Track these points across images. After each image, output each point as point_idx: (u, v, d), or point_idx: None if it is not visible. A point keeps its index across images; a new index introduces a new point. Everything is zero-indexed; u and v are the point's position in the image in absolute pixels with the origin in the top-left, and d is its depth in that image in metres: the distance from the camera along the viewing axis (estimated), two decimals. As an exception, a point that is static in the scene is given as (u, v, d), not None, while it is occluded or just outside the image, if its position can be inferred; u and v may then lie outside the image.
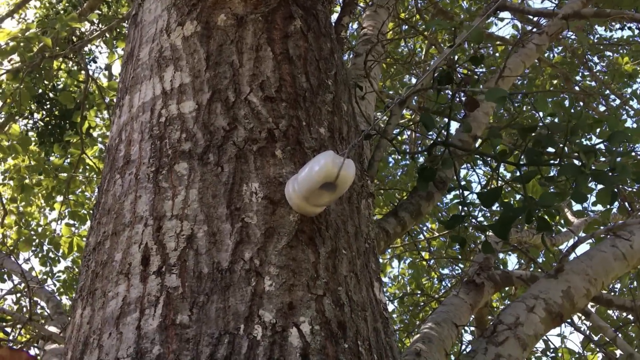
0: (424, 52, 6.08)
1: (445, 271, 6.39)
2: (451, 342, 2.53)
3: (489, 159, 2.08)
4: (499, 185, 1.95)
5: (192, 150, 1.49)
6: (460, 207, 2.07)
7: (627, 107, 7.11)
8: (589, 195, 2.41)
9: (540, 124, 1.83)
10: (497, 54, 6.19)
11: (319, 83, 1.72)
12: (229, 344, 1.18)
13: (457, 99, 2.04)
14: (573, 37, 7.00)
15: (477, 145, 2.36)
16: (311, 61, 1.75)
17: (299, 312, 1.23)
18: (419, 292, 5.84)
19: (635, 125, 6.45)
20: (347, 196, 1.56)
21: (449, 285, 5.86)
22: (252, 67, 1.65)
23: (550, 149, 1.87)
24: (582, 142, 1.77)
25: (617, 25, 6.57)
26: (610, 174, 1.64)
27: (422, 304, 5.44)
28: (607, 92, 7.03)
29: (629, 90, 7.51)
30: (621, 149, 1.85)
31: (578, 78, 7.08)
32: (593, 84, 7.07)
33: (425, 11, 5.91)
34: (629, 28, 6.73)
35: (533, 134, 1.81)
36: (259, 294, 1.25)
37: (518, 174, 1.88)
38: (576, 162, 1.88)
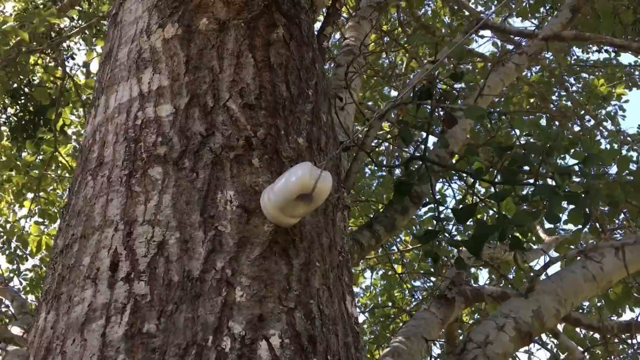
0: (404, 65, 6.12)
1: (417, 283, 6.41)
2: (420, 357, 2.52)
3: (465, 175, 2.10)
4: (474, 202, 1.96)
5: (168, 155, 1.47)
6: (434, 222, 2.08)
7: (601, 128, 7.24)
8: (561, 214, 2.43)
9: (517, 143, 1.84)
10: (477, 70, 6.25)
11: (299, 92, 1.71)
12: (197, 355, 1.15)
13: (436, 115, 2.05)
14: (551, 56, 7.12)
15: (454, 161, 2.37)
16: (292, 70, 1.74)
17: (269, 324, 1.21)
18: (390, 304, 5.84)
19: (608, 147, 6.56)
20: (323, 208, 1.54)
21: (420, 297, 5.88)
22: (233, 73, 1.63)
23: (526, 168, 1.89)
24: (557, 164, 1.79)
25: (594, 48, 6.69)
26: (583, 196, 1.65)
27: (392, 316, 5.44)
28: (583, 112, 7.15)
29: (603, 111, 7.66)
30: (594, 171, 1.87)
31: (554, 97, 7.19)
32: (569, 104, 7.18)
33: (408, 25, 5.95)
34: (606, 51, 6.86)
35: (509, 153, 1.82)
36: (230, 304, 1.22)
37: (493, 191, 1.89)
38: (550, 181, 1.90)
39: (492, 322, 2.08)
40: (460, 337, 3.63)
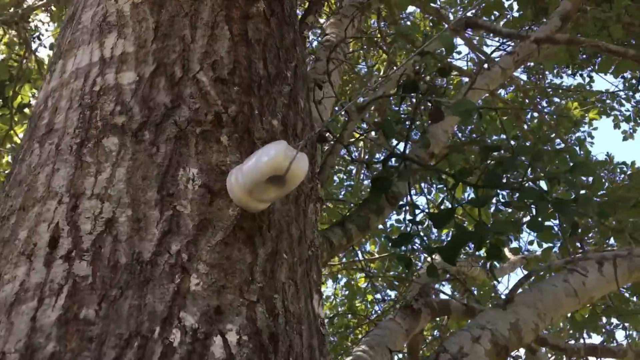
0: (382, 72, 6.04)
1: (378, 296, 6.30)
2: (383, 368, 2.40)
3: (445, 177, 1.99)
4: (453, 206, 1.86)
5: (126, 125, 1.32)
6: (410, 225, 1.96)
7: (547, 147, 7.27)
8: (528, 233, 2.33)
9: (505, 144, 1.74)
10: (451, 86, 6.21)
11: (277, 72, 1.58)
12: (139, 348, 1.00)
13: (422, 109, 1.94)
14: (525, 79, 7.15)
15: (434, 162, 2.27)
16: (271, 48, 1.61)
17: (226, 318, 1.07)
18: (350, 314, 5.72)
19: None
20: (295, 196, 1.41)
21: (381, 309, 5.78)
22: (205, 44, 1.49)
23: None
24: (545, 168, 1.70)
25: (569, 72, 6.73)
26: (572, 205, 1.56)
27: (352, 326, 5.31)
28: (553, 135, 7.19)
29: (574, 137, 7.72)
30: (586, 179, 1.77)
31: (527, 118, 7.21)
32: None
33: (387, 35, 5.88)
34: (580, 75, 6.91)
35: (495, 154, 1.72)
36: (183, 293, 1.08)
37: (473, 196, 1.78)
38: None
39: (467, 333, 1.97)
40: (424, 349, 3.52)
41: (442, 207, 2.51)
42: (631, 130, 7.65)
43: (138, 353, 1.00)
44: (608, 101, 7.76)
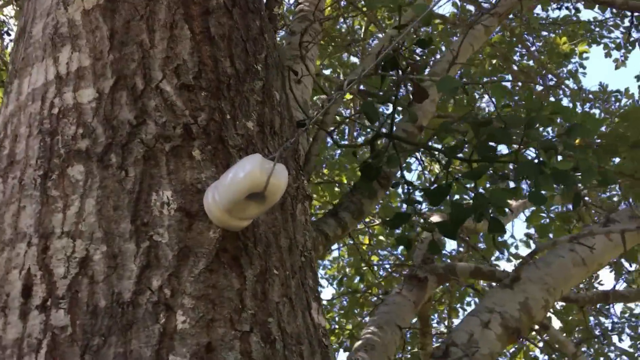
0: (363, 30, 5.88)
1: (384, 253, 6.28)
2: (395, 347, 2.36)
3: (437, 153, 1.91)
4: (448, 182, 1.79)
5: (90, 150, 1.23)
6: (405, 204, 1.89)
7: (563, 87, 7.18)
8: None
9: (495, 115, 1.66)
10: (436, 33, 6.04)
11: (246, 68, 1.48)
12: (130, 401, 0.94)
13: (403, 88, 1.85)
14: (511, 16, 6.96)
15: (426, 137, 2.18)
16: (237, 42, 1.50)
17: (219, 355, 1.00)
18: (358, 277, 5.70)
19: (571, 105, 6.49)
20: (281, 202, 1.33)
21: (390, 268, 5.77)
22: (166, 48, 1.38)
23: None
24: (540, 137, 1.62)
25: (554, 5, 6.55)
26: (573, 174, 1.48)
27: (363, 288, 5.29)
28: (544, 72, 7.06)
29: (565, 70, 7.59)
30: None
31: (516, 58, 7.07)
32: (531, 63, 7.07)
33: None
34: (566, 8, 6.73)
35: (487, 128, 1.63)
36: (170, 333, 1.01)
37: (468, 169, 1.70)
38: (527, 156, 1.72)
39: (476, 318, 1.91)
40: (433, 317, 3.50)
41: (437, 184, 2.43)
42: (622, 58, 7.51)
43: (129, 406, 0.94)
44: (597, 29, 7.60)
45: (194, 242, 1.12)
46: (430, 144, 1.94)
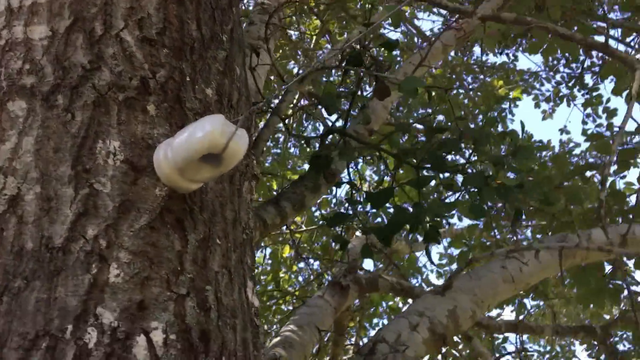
0: (313, 39, 5.91)
1: (302, 265, 6.26)
2: (312, 347, 2.33)
3: (386, 156, 1.92)
4: (392, 185, 1.79)
5: (36, 87, 1.14)
6: (347, 204, 1.88)
7: (492, 129, 7.46)
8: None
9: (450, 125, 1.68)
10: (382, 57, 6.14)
11: (211, 35, 1.43)
12: (48, 350, 0.87)
13: (364, 84, 1.85)
14: (453, 53, 7.20)
15: (375, 139, 2.18)
16: (205, 8, 1.45)
17: (151, 314, 0.94)
18: (274, 283, 5.65)
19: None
20: (230, 175, 1.28)
21: (304, 279, 5.76)
22: (131, -1, 1.32)
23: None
24: (490, 152, 1.65)
25: (498, 50, 6.82)
26: (517, 191, 1.52)
27: (277, 297, 5.24)
28: (477, 111, 7.32)
29: (495, 113, 7.89)
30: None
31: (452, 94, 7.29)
32: (466, 101, 7.31)
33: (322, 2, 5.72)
34: (506, 55, 7.03)
35: (446, 138, 1.65)
36: (101, 285, 0.94)
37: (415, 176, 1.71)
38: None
39: (405, 320, 1.91)
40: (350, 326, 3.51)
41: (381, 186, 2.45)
42: (550, 110, 7.90)
43: (46, 356, 0.86)
44: (531, 79, 7.97)
45: (138, 196, 1.05)
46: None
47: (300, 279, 5.95)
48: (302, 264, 6.32)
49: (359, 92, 1.90)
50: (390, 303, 4.66)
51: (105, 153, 1.08)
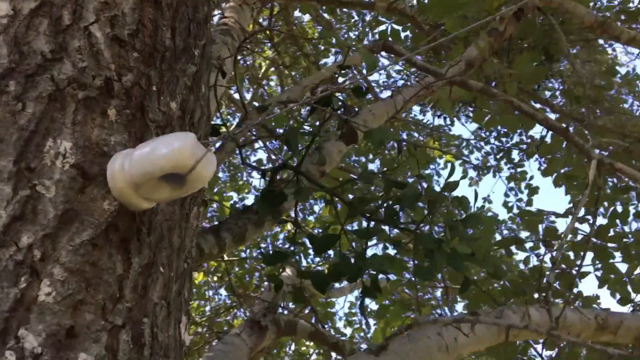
0: (263, 70, 5.88)
1: (210, 293, 6.07)
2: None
3: (337, 201, 1.87)
4: (339, 232, 1.74)
5: (-15, 68, 1.02)
6: (289, 244, 1.80)
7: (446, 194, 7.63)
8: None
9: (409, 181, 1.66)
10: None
11: (184, 47, 1.35)
12: (-47, 372, 0.74)
13: (333, 127, 1.80)
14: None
15: (330, 184, 2.14)
16: (182, 18, 1.37)
17: (80, 344, 0.83)
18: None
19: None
20: (181, 198, 1.19)
21: (213, 309, 5.58)
22: (107, -7, 1.22)
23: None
24: (446, 215, 1.64)
25: (438, 112, 7.03)
26: (468, 260, 1.50)
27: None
28: (408, 167, 7.48)
29: (425, 172, 8.09)
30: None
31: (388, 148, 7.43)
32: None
33: (277, 34, 5.72)
34: (445, 118, 7.26)
35: (406, 193, 1.63)
36: (28, 303, 0.82)
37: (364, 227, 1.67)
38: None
39: (337, 378, 1.84)
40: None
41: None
42: (477, 178, 8.19)
43: (-52, 378, 0.73)
44: (462, 145, 8.25)
45: (84, 207, 0.95)
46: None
47: (207, 308, 5.77)
48: (210, 292, 6.13)
49: (321, 132, 1.86)
50: (303, 348, 4.57)
51: (54, 153, 0.97)
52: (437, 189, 1.70)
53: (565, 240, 2.06)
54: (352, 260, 1.68)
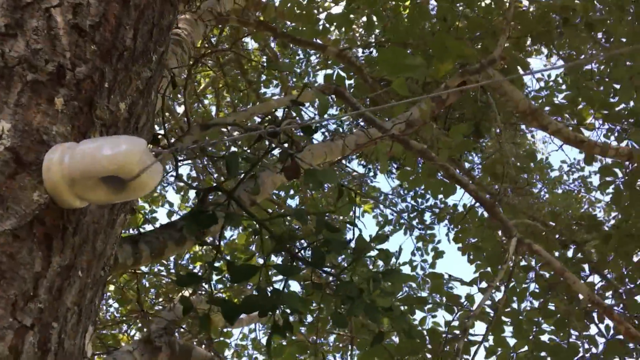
0: (202, 86, 5.83)
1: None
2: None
3: (263, 234, 1.85)
4: (259, 266, 1.72)
5: None
6: (206, 267, 1.76)
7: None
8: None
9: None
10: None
11: (143, 50, 1.32)
12: None
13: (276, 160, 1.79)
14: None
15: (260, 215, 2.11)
16: (147, 21, 1.34)
17: (-19, 341, 0.77)
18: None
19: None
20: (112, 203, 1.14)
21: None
22: (75, -21, 1.18)
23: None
24: (368, 266, 1.66)
25: (362, 162, 7.18)
26: (385, 313, 1.51)
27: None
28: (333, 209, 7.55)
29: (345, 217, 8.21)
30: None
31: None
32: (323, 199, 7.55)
33: (222, 56, 5.70)
34: (369, 169, 7.43)
35: (333, 238, 1.63)
36: None
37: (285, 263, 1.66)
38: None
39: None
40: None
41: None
42: (388, 232, 8.37)
43: None
44: (381, 197, 8.45)
45: (12, 194, 0.89)
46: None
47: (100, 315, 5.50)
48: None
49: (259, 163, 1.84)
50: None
51: (-9, 132, 0.91)
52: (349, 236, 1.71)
53: (478, 310, 2.13)
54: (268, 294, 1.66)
